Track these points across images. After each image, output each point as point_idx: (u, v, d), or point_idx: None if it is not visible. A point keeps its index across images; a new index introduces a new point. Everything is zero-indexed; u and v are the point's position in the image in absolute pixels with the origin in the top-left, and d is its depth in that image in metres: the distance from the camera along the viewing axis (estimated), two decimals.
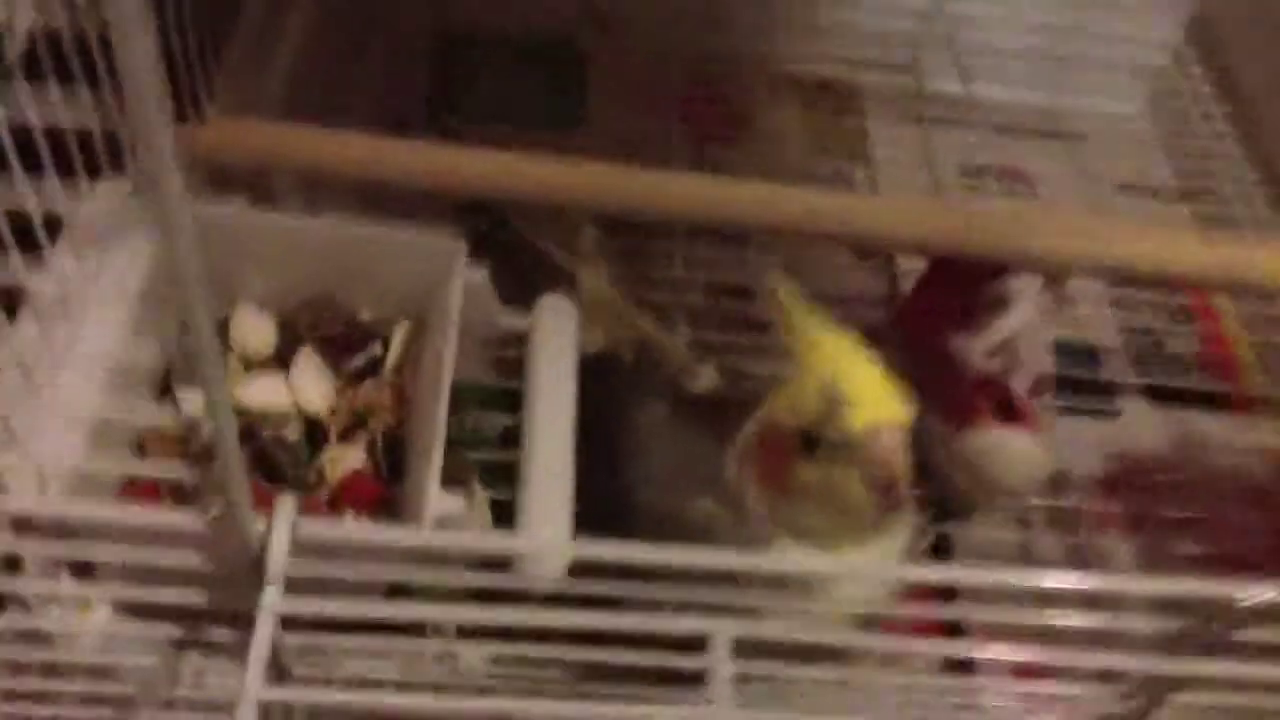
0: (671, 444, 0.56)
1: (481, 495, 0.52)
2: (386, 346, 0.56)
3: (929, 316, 0.72)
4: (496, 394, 0.57)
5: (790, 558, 0.49)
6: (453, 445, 0.48)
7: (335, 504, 0.50)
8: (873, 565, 0.49)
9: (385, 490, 0.51)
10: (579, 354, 0.61)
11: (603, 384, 0.61)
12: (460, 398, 0.50)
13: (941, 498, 0.68)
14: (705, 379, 0.61)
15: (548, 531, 0.47)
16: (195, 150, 0.58)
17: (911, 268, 0.77)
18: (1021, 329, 0.66)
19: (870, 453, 0.46)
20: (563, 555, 0.42)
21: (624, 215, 0.73)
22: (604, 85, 0.93)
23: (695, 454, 0.54)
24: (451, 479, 0.48)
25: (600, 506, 0.56)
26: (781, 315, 0.51)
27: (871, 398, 0.47)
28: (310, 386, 0.53)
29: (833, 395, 0.46)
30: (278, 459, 0.50)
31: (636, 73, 0.94)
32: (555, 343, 0.53)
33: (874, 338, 0.77)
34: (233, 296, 0.56)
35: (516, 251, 0.71)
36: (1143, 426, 0.78)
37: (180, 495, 0.48)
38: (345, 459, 0.51)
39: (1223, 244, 0.71)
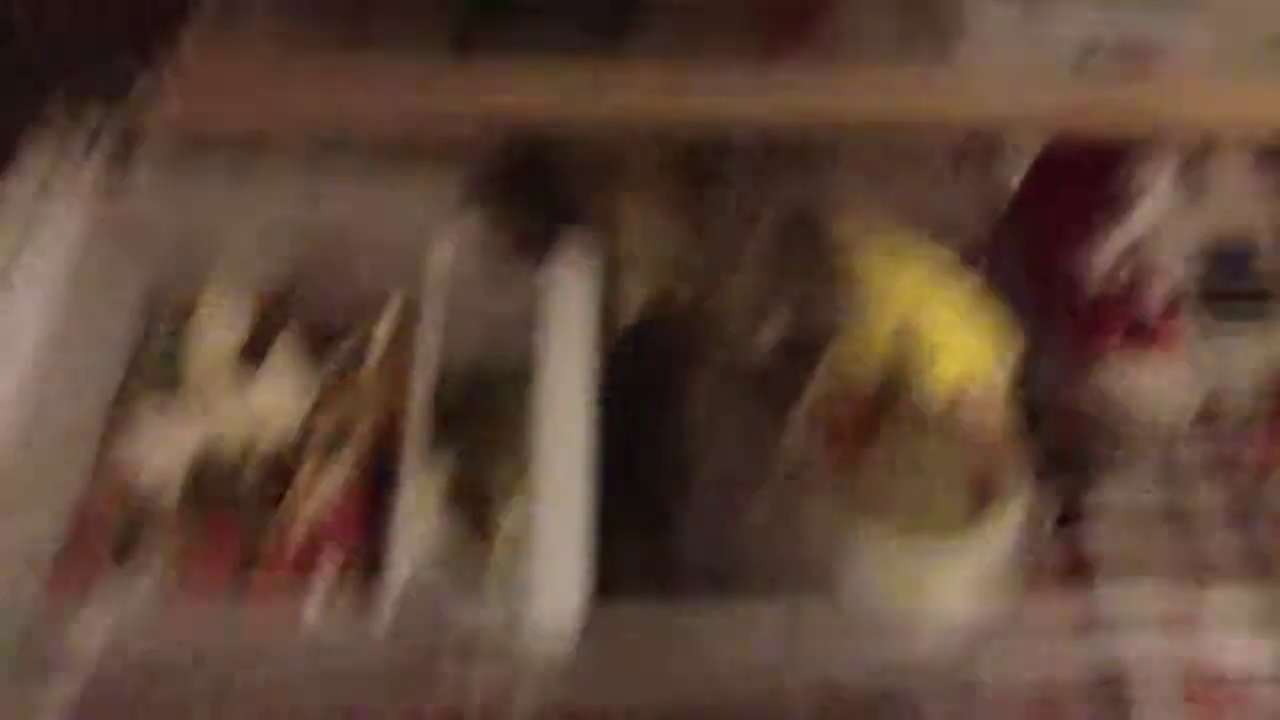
0: (730, 423, 0.46)
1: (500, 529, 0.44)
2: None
3: (1040, 225, 0.60)
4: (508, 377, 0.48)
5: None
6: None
7: (307, 550, 0.42)
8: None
9: (372, 521, 0.43)
10: (621, 314, 0.53)
11: (649, 350, 0.52)
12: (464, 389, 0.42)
13: (1066, 449, 0.57)
14: (773, 330, 0.51)
15: (551, 599, 0.38)
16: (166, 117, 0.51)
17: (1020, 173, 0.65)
18: (1153, 230, 0.54)
19: (959, 416, 0.35)
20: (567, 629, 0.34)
21: (683, 130, 0.63)
22: None
23: (758, 432, 0.44)
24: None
25: (647, 507, 0.48)
26: (845, 244, 0.40)
27: (959, 344, 0.37)
28: (283, 396, 0.45)
29: (908, 344, 0.36)
30: (237, 495, 0.42)
31: None
32: (568, 317, 0.44)
33: (975, 258, 0.67)
34: (202, 279, 0.48)
35: (544, 199, 0.61)
36: None
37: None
38: (323, 485, 0.43)
39: None
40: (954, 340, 0.36)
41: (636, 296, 0.55)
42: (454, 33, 0.75)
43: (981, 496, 0.37)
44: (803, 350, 0.43)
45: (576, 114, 0.56)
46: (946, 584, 0.40)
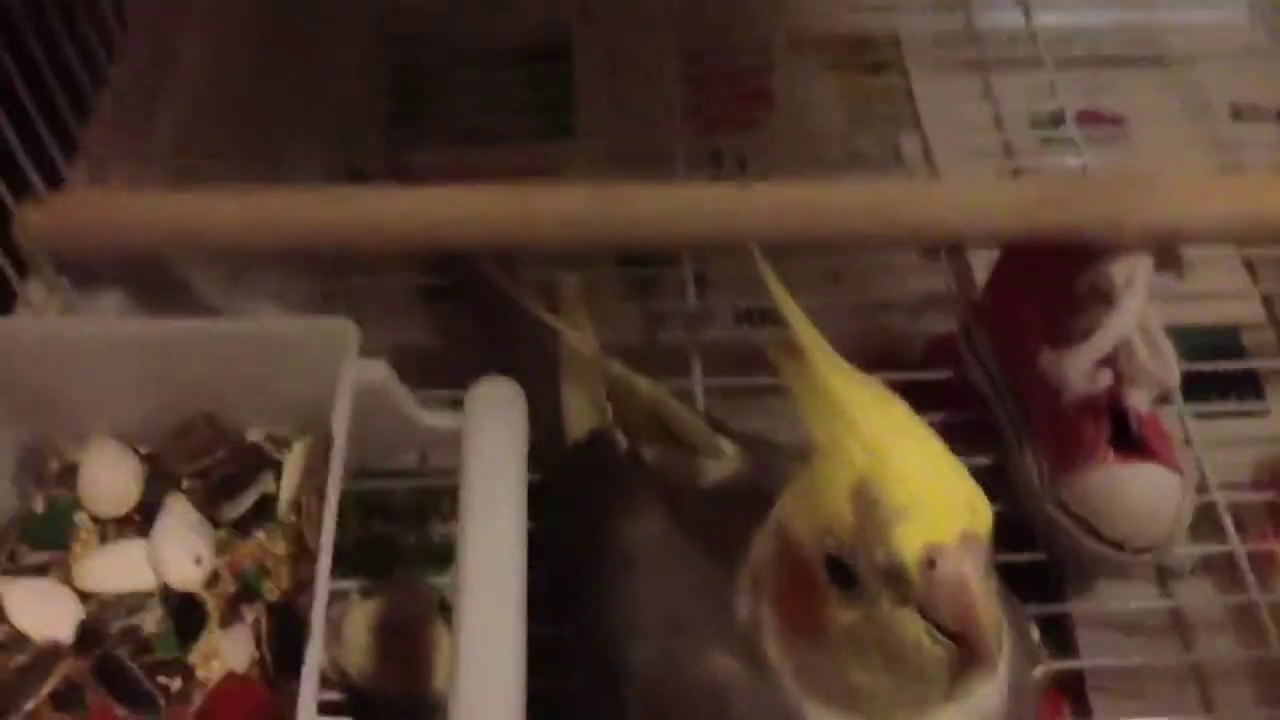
0: (674, 569, 0.40)
1: None
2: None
3: (1011, 327, 0.56)
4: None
5: None
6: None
7: (211, 712, 0.37)
8: None
9: (276, 694, 0.37)
10: (566, 440, 0.48)
11: (586, 486, 0.47)
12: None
13: (1052, 563, 0.52)
14: (725, 462, 0.46)
15: None
16: (30, 236, 0.46)
17: (983, 257, 0.62)
18: (1134, 330, 0.50)
19: (932, 587, 0.30)
20: None
21: (622, 245, 0.59)
22: (593, 86, 0.78)
23: (706, 581, 0.39)
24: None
25: (586, 665, 0.42)
26: (790, 375, 0.35)
27: (928, 500, 0.31)
28: (177, 552, 0.40)
29: (870, 501, 0.31)
30: (126, 668, 0.37)
31: (628, 64, 0.79)
32: (492, 452, 0.39)
33: (943, 354, 0.63)
34: (86, 431, 0.43)
35: (492, 308, 0.57)
36: None
37: None
38: (225, 651, 0.38)
39: None
40: (925, 493, 0.31)
41: (579, 422, 0.50)
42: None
43: (958, 672, 0.32)
44: (752, 499, 0.38)
45: (505, 239, 0.52)
46: None
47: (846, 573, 0.32)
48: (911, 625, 0.31)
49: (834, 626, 0.33)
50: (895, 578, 0.31)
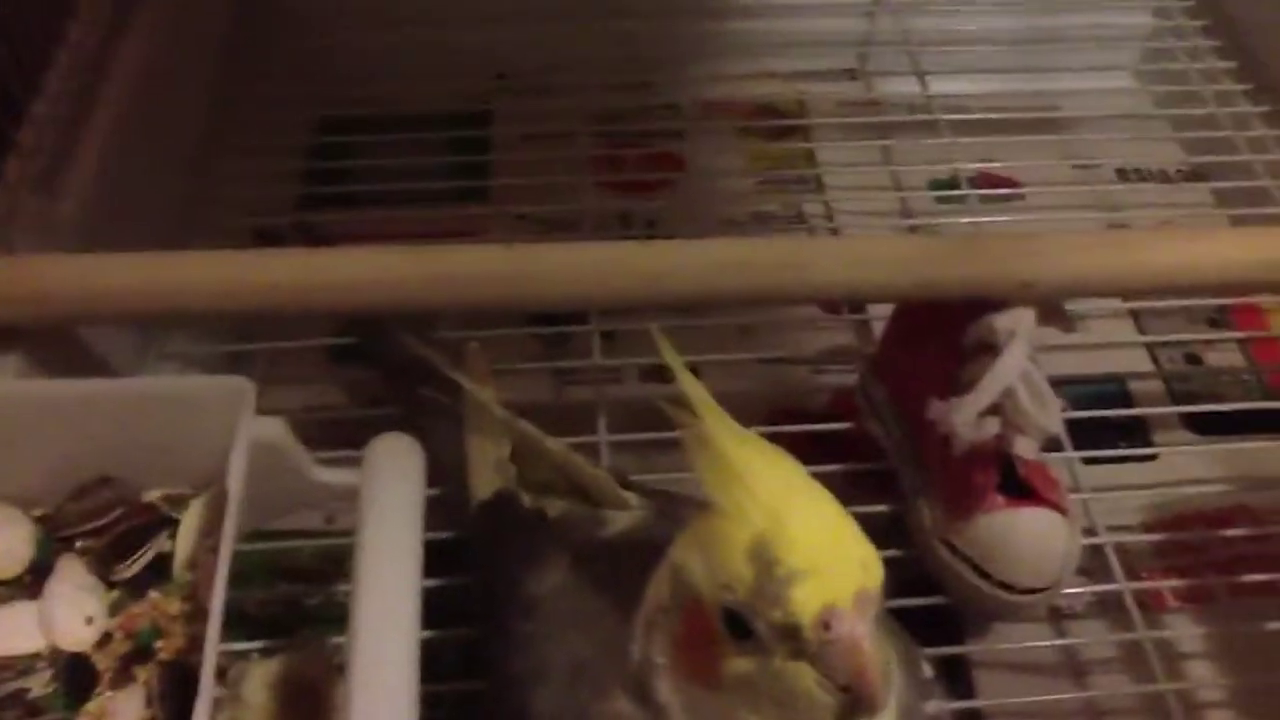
0: (576, 616, 0.41)
1: None
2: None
3: (904, 380, 0.58)
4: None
5: None
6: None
7: None
8: None
9: None
10: (471, 501, 0.49)
11: (492, 543, 0.47)
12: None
13: (948, 606, 0.54)
14: (630, 513, 0.47)
15: None
16: None
17: (884, 313, 0.64)
18: (1017, 379, 0.52)
19: (828, 646, 0.31)
20: None
21: (529, 303, 0.60)
22: (510, 150, 0.80)
23: (606, 626, 0.39)
24: None
25: (491, 711, 0.43)
26: (687, 436, 0.35)
27: (824, 561, 0.32)
28: (68, 613, 0.40)
29: (768, 561, 0.32)
30: None
31: (544, 132, 0.80)
32: (390, 508, 0.39)
33: (846, 407, 0.65)
34: None
35: (399, 369, 0.57)
36: (1190, 467, 0.64)
37: None
38: (117, 711, 0.38)
39: (1261, 234, 0.57)
40: (820, 552, 0.32)
41: (484, 482, 0.50)
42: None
43: (846, 716, 0.33)
44: (653, 545, 0.38)
45: (414, 297, 0.53)
46: None
47: (742, 625, 0.32)
48: (804, 677, 0.32)
49: (727, 673, 0.33)
50: (791, 635, 0.31)
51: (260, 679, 0.44)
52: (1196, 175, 0.80)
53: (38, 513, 0.44)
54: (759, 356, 0.67)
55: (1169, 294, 0.60)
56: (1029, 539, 0.51)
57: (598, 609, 0.40)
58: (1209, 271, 0.54)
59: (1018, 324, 0.52)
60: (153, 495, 0.44)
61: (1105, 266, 0.54)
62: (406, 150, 0.77)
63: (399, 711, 0.36)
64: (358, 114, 0.80)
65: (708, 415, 0.35)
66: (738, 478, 0.33)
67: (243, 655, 0.48)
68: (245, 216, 0.71)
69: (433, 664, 0.50)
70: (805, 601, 0.31)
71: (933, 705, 0.40)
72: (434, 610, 0.49)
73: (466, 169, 0.78)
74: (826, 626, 0.31)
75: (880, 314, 0.64)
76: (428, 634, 0.48)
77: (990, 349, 0.53)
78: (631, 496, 0.47)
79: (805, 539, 0.32)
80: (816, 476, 0.34)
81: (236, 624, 0.52)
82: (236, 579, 0.54)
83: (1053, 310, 0.55)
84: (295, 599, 0.54)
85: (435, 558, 0.49)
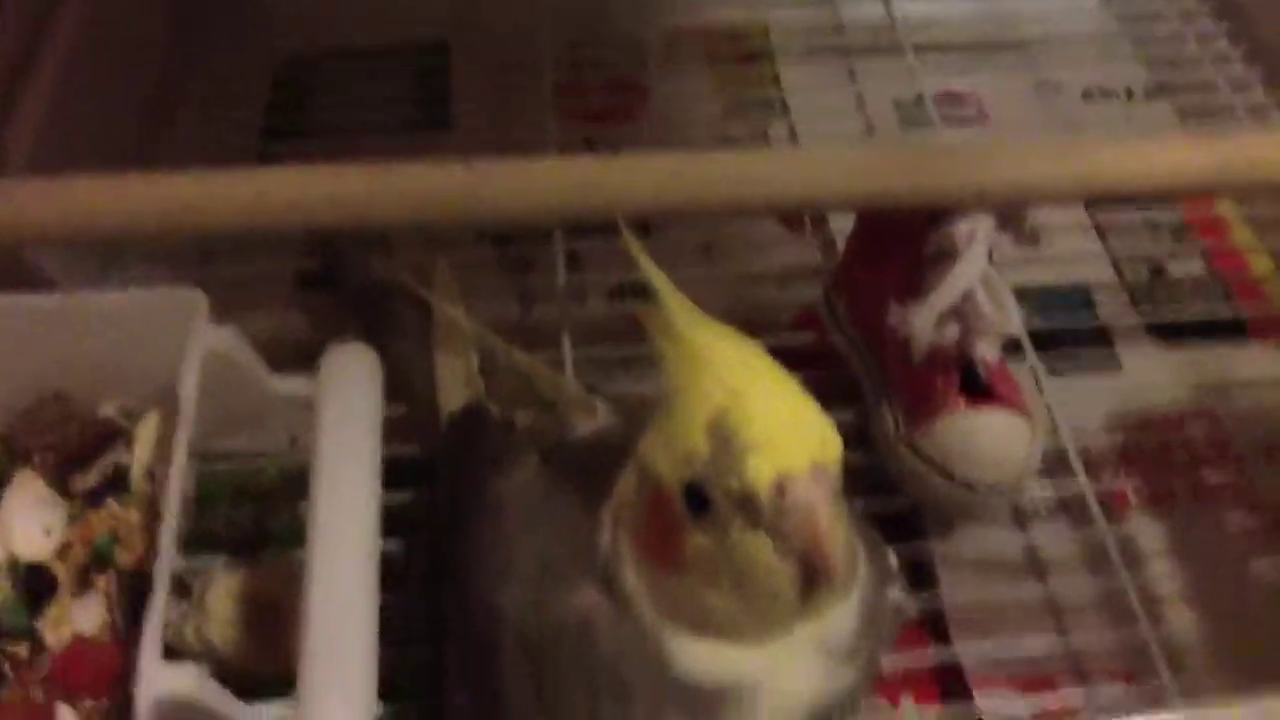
0: (543, 513, 0.41)
1: None
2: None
3: (866, 290, 0.58)
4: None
5: None
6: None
7: (57, 685, 0.37)
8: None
9: (127, 655, 0.37)
10: (440, 417, 0.49)
11: (460, 454, 0.48)
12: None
13: (912, 508, 0.54)
14: (596, 419, 0.47)
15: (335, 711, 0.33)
16: None
17: (846, 229, 0.64)
18: (974, 285, 0.52)
19: (783, 514, 0.32)
20: None
21: (491, 220, 0.60)
22: (471, 79, 0.80)
23: (573, 522, 0.39)
24: None
25: (459, 613, 0.43)
26: (652, 327, 0.36)
27: (780, 432, 0.32)
28: (25, 524, 0.40)
29: (724, 433, 0.32)
30: None
31: (505, 63, 0.80)
32: (346, 413, 0.39)
33: (810, 323, 0.65)
34: None
35: (365, 291, 0.57)
36: (1153, 374, 0.64)
37: None
38: (76, 618, 0.38)
39: (1215, 141, 0.57)
40: (776, 426, 0.32)
41: (452, 397, 0.50)
42: None
43: (806, 590, 0.33)
44: (620, 445, 0.39)
45: (374, 216, 0.53)
46: (784, 676, 0.36)
47: (701, 499, 0.33)
48: (761, 547, 0.32)
49: (689, 552, 0.34)
50: (747, 504, 0.32)
51: (225, 590, 0.44)
52: (1160, 93, 0.80)
53: None
54: (722, 272, 0.67)
55: (1122, 199, 0.60)
56: (991, 439, 0.52)
57: (565, 506, 0.40)
58: (1161, 177, 0.54)
59: (976, 228, 0.53)
60: (108, 410, 0.44)
61: (1059, 173, 0.54)
62: (367, 82, 0.77)
63: (356, 615, 0.36)
64: (317, 48, 0.79)
65: (669, 299, 0.35)
66: (698, 355, 0.33)
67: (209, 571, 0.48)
68: (205, 151, 0.70)
69: (400, 577, 0.51)
70: (760, 469, 0.31)
71: (895, 593, 0.41)
72: (402, 524, 0.50)
73: (427, 100, 0.77)
74: (781, 493, 0.31)
75: (844, 229, 0.64)
76: (393, 544, 0.49)
77: (950, 256, 0.53)
78: (599, 403, 0.48)
79: (762, 412, 0.32)
80: None
81: (202, 544, 0.52)
82: (202, 500, 0.55)
83: (1011, 218, 0.55)
84: (260, 519, 0.54)
85: (405, 474, 0.49)
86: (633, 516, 0.36)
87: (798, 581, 0.33)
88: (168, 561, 0.35)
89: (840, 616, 0.36)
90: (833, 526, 0.32)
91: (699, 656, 0.35)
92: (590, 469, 0.40)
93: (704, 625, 0.35)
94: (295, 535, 0.53)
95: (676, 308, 0.35)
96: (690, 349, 0.34)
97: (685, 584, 0.35)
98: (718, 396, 0.33)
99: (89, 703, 0.36)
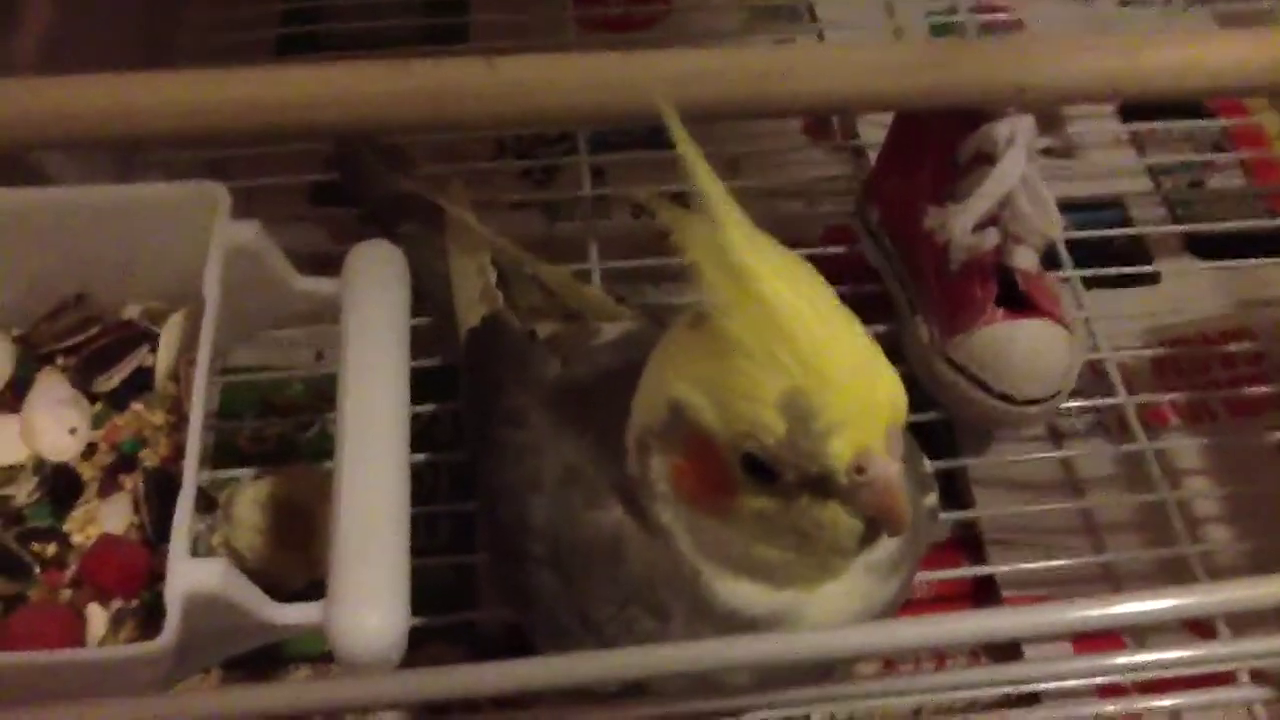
0: (566, 425, 0.40)
1: None
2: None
3: (901, 198, 0.56)
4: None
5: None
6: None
7: (85, 584, 0.36)
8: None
9: (154, 555, 0.37)
10: (461, 329, 0.48)
11: (483, 363, 0.46)
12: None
13: (944, 421, 0.53)
14: (623, 322, 0.45)
15: (368, 616, 0.33)
16: None
17: (877, 141, 0.62)
18: (1015, 187, 0.51)
19: (860, 487, 0.30)
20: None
21: (515, 117, 0.58)
22: None
23: (600, 431, 0.38)
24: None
25: (488, 523, 0.42)
26: (686, 233, 0.33)
27: (858, 409, 0.30)
28: (50, 424, 0.39)
29: (800, 413, 0.30)
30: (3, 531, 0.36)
31: None
32: (371, 312, 0.39)
33: (842, 238, 0.64)
34: None
35: (383, 203, 0.56)
36: (1191, 289, 0.62)
37: None
38: (103, 518, 0.37)
39: (1257, 37, 0.54)
40: (854, 397, 0.30)
41: (472, 309, 0.49)
42: None
43: (870, 540, 0.32)
44: (648, 349, 0.37)
45: (394, 114, 0.51)
46: (829, 599, 0.35)
47: (766, 470, 0.31)
48: (832, 512, 0.31)
49: (741, 508, 0.32)
50: (824, 481, 0.31)
51: (251, 498, 0.44)
52: (1201, 0, 0.77)
53: (15, 333, 0.42)
54: (751, 185, 0.65)
55: (1166, 95, 0.57)
56: (1029, 350, 0.50)
57: (589, 415, 0.40)
58: (1205, 73, 0.52)
59: (1016, 130, 0.51)
60: (131, 311, 0.43)
61: (1100, 68, 0.52)
62: None
63: (388, 519, 0.36)
64: None
65: (726, 220, 0.31)
66: (770, 318, 0.30)
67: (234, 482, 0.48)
68: (217, 58, 0.68)
69: (426, 490, 0.50)
70: (841, 452, 0.30)
71: (931, 498, 0.40)
72: (426, 437, 0.49)
73: (443, 7, 0.75)
74: (860, 470, 0.30)
75: (873, 142, 0.63)
76: (419, 457, 0.48)
77: (988, 159, 0.51)
78: (624, 310, 0.46)
79: (841, 390, 0.30)
80: None
81: (228, 457, 0.52)
82: (226, 414, 0.54)
83: (1050, 119, 0.53)
84: (286, 433, 0.53)
85: (427, 385, 0.48)
86: (668, 456, 0.34)
87: (862, 534, 0.32)
88: (195, 456, 0.34)
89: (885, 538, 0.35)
90: (905, 489, 0.31)
91: (742, 594, 0.34)
92: (615, 375, 0.39)
93: (750, 569, 0.34)
94: (321, 449, 0.53)
95: (735, 233, 0.31)
96: (754, 292, 0.30)
97: (732, 532, 0.33)
98: (793, 371, 0.30)
99: (118, 602, 0.36)
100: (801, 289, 0.31)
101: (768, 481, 0.31)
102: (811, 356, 0.30)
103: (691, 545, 0.34)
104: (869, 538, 0.32)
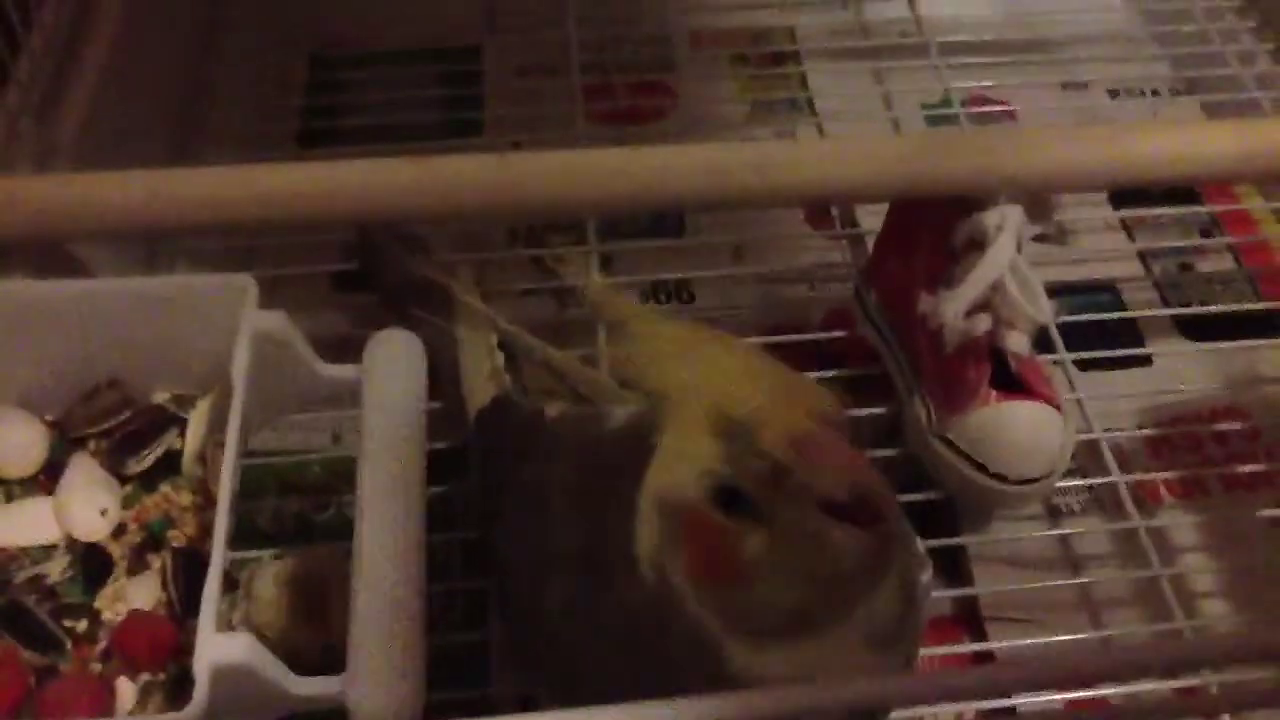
0: (578, 508, 0.42)
1: None
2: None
3: (897, 284, 0.58)
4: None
5: None
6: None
7: (115, 658, 0.38)
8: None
9: (182, 631, 0.38)
10: (469, 412, 0.50)
11: (493, 445, 0.48)
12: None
13: (945, 500, 0.55)
14: (629, 406, 0.47)
15: (383, 692, 0.34)
16: None
17: (875, 227, 0.64)
18: (1004, 274, 0.53)
19: (811, 463, 0.32)
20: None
21: (525, 210, 0.60)
22: (502, 83, 0.81)
23: (610, 520, 0.40)
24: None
25: (502, 601, 0.44)
26: (613, 338, 0.37)
27: (774, 400, 0.33)
28: (83, 505, 0.41)
29: (725, 426, 0.33)
30: (31, 612, 0.37)
31: (536, 65, 0.81)
32: (390, 398, 0.40)
33: (842, 321, 0.66)
34: None
35: (400, 292, 0.58)
36: (1183, 369, 0.64)
37: None
38: (132, 595, 0.39)
39: (1245, 126, 0.57)
40: (770, 398, 0.33)
41: (480, 392, 0.51)
42: None
43: (871, 555, 0.34)
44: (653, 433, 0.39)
45: (408, 206, 0.53)
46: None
47: (734, 496, 0.33)
48: (811, 519, 0.33)
49: (747, 556, 0.34)
50: (778, 475, 0.32)
51: (272, 576, 0.45)
52: (1186, 91, 0.81)
53: (50, 417, 0.45)
54: (754, 271, 0.68)
55: (1156, 184, 0.59)
56: (1023, 430, 0.52)
57: (601, 499, 0.41)
58: (1194, 161, 0.54)
59: (1005, 219, 0.53)
60: (161, 397, 0.45)
61: (1088, 158, 0.54)
62: (399, 86, 0.78)
63: (403, 601, 0.37)
64: (349, 52, 0.81)
65: (616, 312, 0.36)
66: (669, 364, 0.35)
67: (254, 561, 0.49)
68: (243, 147, 0.72)
69: (441, 567, 0.52)
70: (774, 438, 0.32)
71: (927, 576, 0.41)
72: (441, 516, 0.50)
73: (459, 102, 0.79)
74: (800, 448, 0.32)
75: (872, 229, 0.65)
76: (433, 537, 0.50)
77: (979, 246, 0.53)
78: (630, 394, 0.48)
79: (750, 391, 0.33)
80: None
81: (248, 538, 0.53)
82: (247, 495, 0.56)
83: (1038, 204, 0.56)
84: (305, 513, 0.55)
85: (442, 466, 0.50)
86: (675, 551, 0.36)
87: (859, 550, 0.33)
88: (224, 533, 0.36)
89: (884, 596, 0.36)
90: (859, 457, 0.33)
91: (762, 663, 0.35)
92: (624, 459, 0.41)
93: (774, 630, 0.35)
94: (338, 529, 0.54)
95: (630, 316, 0.36)
96: (659, 358, 0.35)
97: (747, 591, 0.34)
98: (705, 399, 0.34)
99: (146, 675, 0.37)
100: (705, 344, 0.36)
101: (744, 510, 0.33)
102: (710, 381, 0.34)
103: (716, 622, 0.35)
104: (869, 553, 0.33)
